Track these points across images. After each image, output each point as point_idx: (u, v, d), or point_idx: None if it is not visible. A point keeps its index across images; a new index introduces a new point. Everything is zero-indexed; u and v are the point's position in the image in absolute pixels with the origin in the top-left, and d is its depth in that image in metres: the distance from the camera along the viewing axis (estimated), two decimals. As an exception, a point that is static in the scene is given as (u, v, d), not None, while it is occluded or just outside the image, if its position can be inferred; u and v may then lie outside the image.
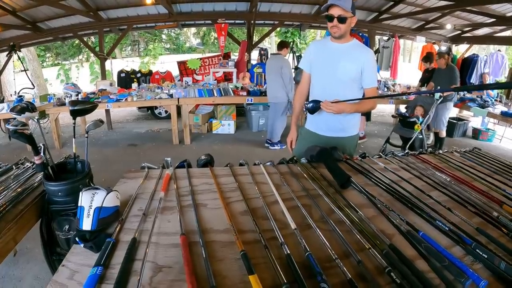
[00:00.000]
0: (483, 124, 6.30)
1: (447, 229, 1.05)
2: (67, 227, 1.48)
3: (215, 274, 0.83)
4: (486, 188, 1.43)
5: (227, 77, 7.10)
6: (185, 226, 1.06)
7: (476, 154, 1.98)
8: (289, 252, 0.88)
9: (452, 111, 5.35)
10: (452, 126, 5.83)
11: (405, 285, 0.76)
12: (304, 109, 2.01)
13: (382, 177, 1.50)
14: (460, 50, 8.90)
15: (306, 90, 2.13)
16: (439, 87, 4.62)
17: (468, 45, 8.24)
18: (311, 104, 1.86)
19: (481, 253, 0.91)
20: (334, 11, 1.72)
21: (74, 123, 1.58)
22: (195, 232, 1.03)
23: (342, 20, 1.73)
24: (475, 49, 8.35)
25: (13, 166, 1.84)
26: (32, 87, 5.58)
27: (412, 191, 1.35)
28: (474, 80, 7.11)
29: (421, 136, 4.36)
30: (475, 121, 6.56)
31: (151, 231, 1.02)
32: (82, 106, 1.56)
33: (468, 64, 7.21)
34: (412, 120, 4.43)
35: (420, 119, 4.38)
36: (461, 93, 5.82)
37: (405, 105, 5.16)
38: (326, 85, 1.93)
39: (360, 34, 7.61)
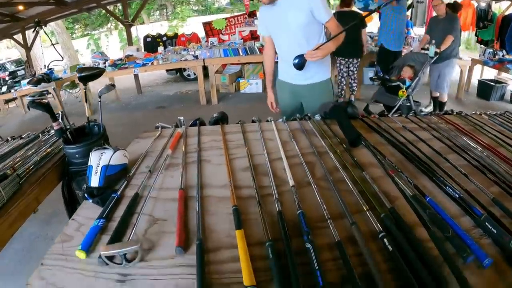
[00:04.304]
0: None
1: (457, 196, 0.95)
2: (84, 186, 1.59)
3: (205, 228, 0.85)
4: None
5: (253, 36, 6.91)
6: (187, 181, 1.09)
7: (507, 119, 1.80)
8: (280, 209, 0.87)
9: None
10: (489, 88, 5.32)
11: (397, 253, 0.70)
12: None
13: (398, 136, 1.41)
14: (502, 7, 7.89)
15: (272, 52, 2.18)
16: (433, 41, 3.83)
17: (510, 2, 7.28)
18: (296, 61, 1.80)
19: (490, 227, 0.81)
20: None
21: (85, 89, 1.64)
22: (194, 187, 1.04)
23: None
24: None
25: (40, 134, 1.97)
26: (60, 59, 5.78)
27: (428, 153, 1.25)
28: None
29: (408, 104, 3.66)
30: None
31: (152, 186, 1.05)
32: (89, 72, 1.62)
33: (508, 22, 6.43)
34: (394, 84, 3.68)
35: (407, 82, 3.63)
36: (500, 54, 5.27)
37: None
38: (289, 40, 1.93)
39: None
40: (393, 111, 3.43)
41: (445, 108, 4.20)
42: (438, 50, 3.74)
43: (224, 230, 0.85)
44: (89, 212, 0.98)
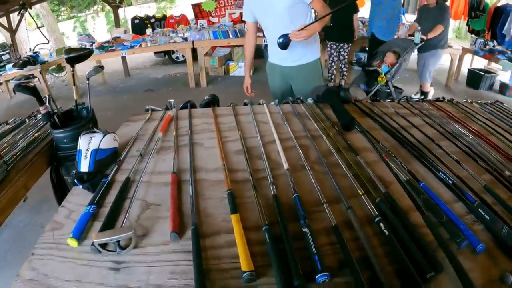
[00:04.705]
0: (511, 79, 5.77)
1: (450, 182, 0.96)
2: (74, 171, 1.55)
3: (200, 212, 0.84)
4: (502, 145, 1.31)
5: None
6: (179, 165, 1.07)
7: (497, 108, 1.81)
8: (276, 193, 0.86)
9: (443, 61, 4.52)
10: (478, 77, 5.38)
11: (393, 238, 0.71)
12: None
13: (391, 122, 1.42)
14: None
15: (253, 38, 2.22)
16: (419, 27, 3.76)
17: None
18: (281, 40, 1.79)
19: (483, 214, 0.82)
20: None
21: (73, 71, 1.58)
22: (187, 171, 1.02)
23: None
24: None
25: (26, 120, 1.90)
26: (46, 42, 5.58)
27: (421, 139, 1.26)
28: (506, 32, 6.37)
29: (388, 90, 3.63)
30: (503, 75, 6.01)
31: (143, 170, 1.02)
32: (77, 53, 1.54)
33: (500, 13, 6.47)
34: (372, 69, 3.63)
35: (385, 68, 3.54)
36: (491, 44, 5.32)
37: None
38: (275, 23, 1.91)
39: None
40: (369, 96, 3.48)
41: (432, 96, 4.25)
42: (424, 37, 3.69)
43: (219, 215, 0.83)
44: (79, 198, 0.95)
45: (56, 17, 12.62)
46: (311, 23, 1.77)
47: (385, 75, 3.52)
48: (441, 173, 1.01)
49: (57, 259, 0.73)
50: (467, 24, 7.20)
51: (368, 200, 0.84)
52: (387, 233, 0.72)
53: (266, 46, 5.94)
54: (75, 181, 1.00)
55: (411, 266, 0.64)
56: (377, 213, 0.79)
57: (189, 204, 0.86)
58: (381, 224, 0.75)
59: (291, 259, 0.64)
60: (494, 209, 0.86)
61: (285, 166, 1.01)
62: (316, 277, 0.61)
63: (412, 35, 3.92)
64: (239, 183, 0.95)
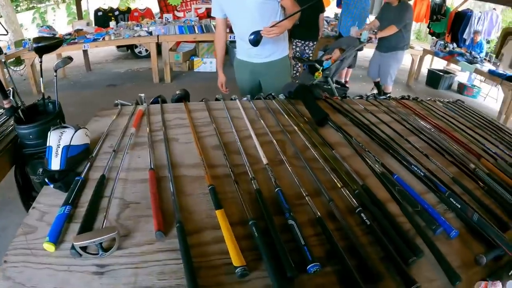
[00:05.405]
0: (469, 80, 6.18)
1: (422, 174, 1.03)
2: (40, 170, 1.45)
3: (183, 209, 0.82)
4: (466, 140, 1.41)
5: (209, 14, 6.66)
6: (155, 161, 1.03)
7: (458, 106, 1.95)
8: (258, 187, 0.87)
9: (404, 61, 4.49)
10: (437, 77, 5.76)
11: (374, 227, 0.75)
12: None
13: (362, 118, 1.47)
14: (454, 4, 8.45)
15: (223, 34, 2.19)
16: (366, 25, 3.78)
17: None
18: (252, 37, 1.77)
19: (455, 202, 0.89)
20: None
21: (41, 61, 1.48)
22: (164, 167, 0.99)
23: None
24: (471, 5, 7.86)
25: None
26: (5, 33, 5.16)
27: (391, 134, 1.33)
28: (466, 36, 6.88)
29: (328, 86, 3.56)
30: (461, 76, 6.46)
31: (119, 167, 0.97)
32: (47, 42, 1.45)
33: (461, 18, 6.96)
34: (310, 64, 3.60)
35: (326, 63, 3.47)
36: (451, 46, 5.68)
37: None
38: (246, 19, 1.90)
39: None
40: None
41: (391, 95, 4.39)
42: (372, 36, 3.71)
43: (203, 211, 0.82)
44: (51, 199, 0.89)
45: (15, 7, 11.73)
46: (282, 20, 1.79)
47: (323, 71, 3.48)
48: (413, 166, 1.07)
49: (33, 266, 0.68)
50: (428, 27, 7.63)
51: (347, 192, 0.88)
52: (368, 222, 0.76)
53: (231, 42, 5.94)
54: (46, 180, 0.94)
55: (393, 251, 0.68)
56: (357, 204, 0.83)
57: (170, 201, 0.84)
58: (362, 215, 0.78)
59: (282, 251, 0.65)
60: (463, 198, 0.93)
61: (264, 161, 1.02)
62: (308, 267, 0.62)
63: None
64: (220, 179, 0.94)
